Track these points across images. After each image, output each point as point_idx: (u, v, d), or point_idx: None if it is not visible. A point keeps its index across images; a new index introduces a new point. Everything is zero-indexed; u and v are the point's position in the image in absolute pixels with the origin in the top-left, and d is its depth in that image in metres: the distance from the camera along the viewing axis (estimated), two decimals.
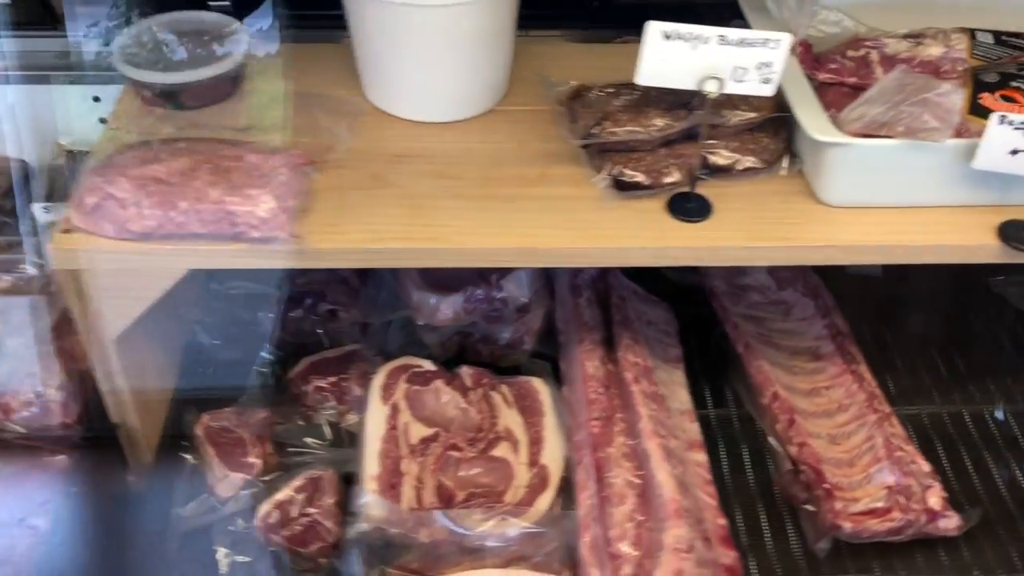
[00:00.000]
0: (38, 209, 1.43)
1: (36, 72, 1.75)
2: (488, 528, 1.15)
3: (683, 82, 0.98)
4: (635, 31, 1.54)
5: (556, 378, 1.38)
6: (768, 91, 0.99)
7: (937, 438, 1.35)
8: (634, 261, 1.09)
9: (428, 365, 1.37)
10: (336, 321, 1.47)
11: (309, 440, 1.34)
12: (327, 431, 1.35)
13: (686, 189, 1.08)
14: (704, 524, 1.14)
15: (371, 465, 1.21)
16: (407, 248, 1.05)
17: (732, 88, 0.98)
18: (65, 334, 1.25)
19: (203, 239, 1.01)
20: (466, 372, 1.37)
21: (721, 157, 1.10)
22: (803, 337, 1.45)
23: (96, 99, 1.76)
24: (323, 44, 1.38)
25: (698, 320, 1.49)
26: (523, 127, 1.22)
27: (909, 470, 1.24)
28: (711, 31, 0.93)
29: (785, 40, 0.94)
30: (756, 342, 1.43)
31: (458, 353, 1.47)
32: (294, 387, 1.39)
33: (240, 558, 1.21)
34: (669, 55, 0.95)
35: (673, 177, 1.08)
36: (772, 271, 1.54)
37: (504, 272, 1.41)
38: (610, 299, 1.43)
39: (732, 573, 1.12)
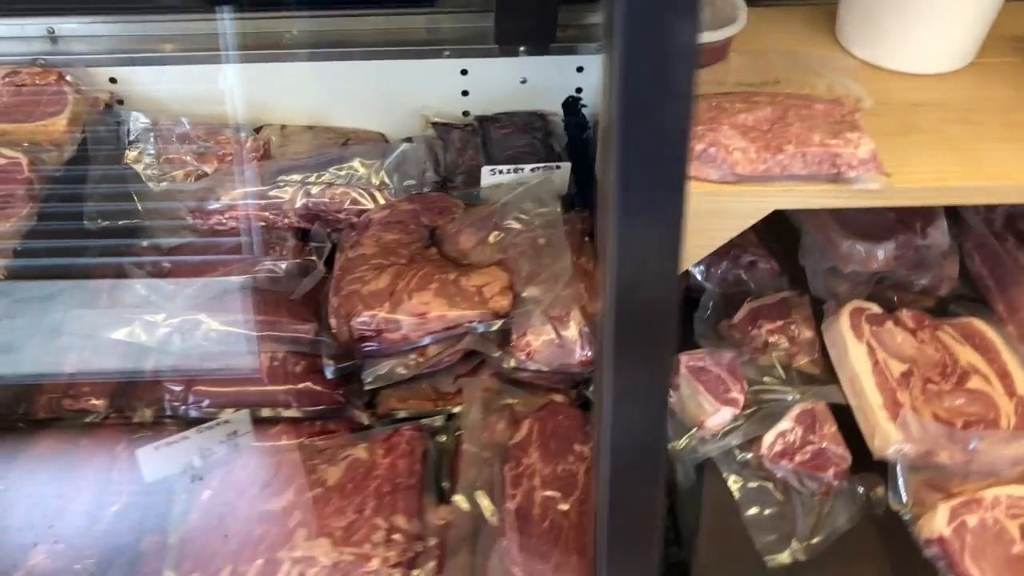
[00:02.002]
0: (486, 171, 1.54)
1: (407, 47, 1.85)
2: (1011, 451, 1.23)
3: None
4: None
5: None
6: None
7: None
8: None
9: (875, 308, 1.45)
10: (756, 270, 1.56)
11: (766, 379, 1.43)
12: (780, 370, 1.44)
13: None
14: None
15: (874, 396, 1.30)
16: (974, 186, 1.13)
17: None
18: (581, 278, 1.35)
19: (799, 180, 1.10)
20: (906, 314, 1.46)
21: None
22: None
23: (464, 72, 1.85)
24: (766, 8, 1.46)
25: None
26: (1010, 78, 1.30)
27: None
28: None
29: None
30: None
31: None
32: (737, 331, 1.48)
33: (752, 484, 1.31)
34: None
35: None
36: None
37: (926, 220, 1.50)
38: None
39: None
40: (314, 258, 1.42)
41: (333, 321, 1.35)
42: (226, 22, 1.86)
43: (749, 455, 1.34)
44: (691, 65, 0.51)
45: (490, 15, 1.82)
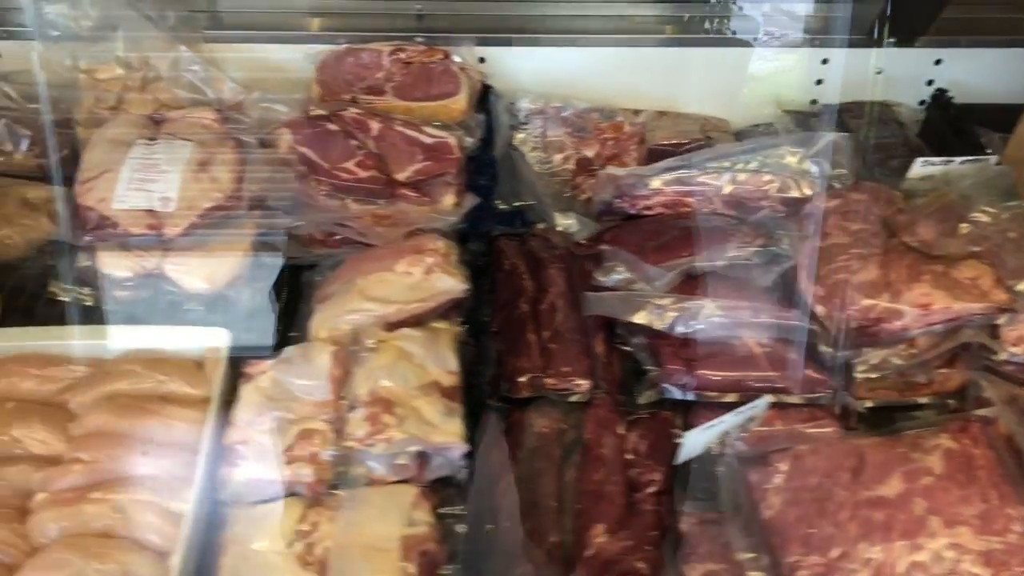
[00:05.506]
0: (919, 163, 1.55)
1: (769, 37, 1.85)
2: None
3: None
4: None
5: None
6: None
7: None
8: None
9: None
10: None
11: None
12: None
13: None
14: None
15: None
16: None
17: None
18: None
19: None
20: None
21: None
22: None
23: (824, 61, 1.86)
24: None
25: None
26: None
27: None
28: None
29: None
30: None
31: None
32: None
33: None
34: None
35: None
36: None
37: None
38: None
39: None
40: (784, 246, 1.43)
41: (820, 309, 1.36)
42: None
43: None
44: None
45: (860, 5, 1.82)
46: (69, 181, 1.56)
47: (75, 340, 1.35)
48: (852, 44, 1.84)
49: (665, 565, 1.17)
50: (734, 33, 1.84)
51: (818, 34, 1.84)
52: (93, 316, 1.46)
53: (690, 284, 1.41)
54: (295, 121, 1.56)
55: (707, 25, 1.87)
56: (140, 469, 1.20)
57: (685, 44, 1.87)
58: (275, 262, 1.49)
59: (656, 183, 1.55)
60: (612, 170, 1.55)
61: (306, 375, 1.29)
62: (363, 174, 1.51)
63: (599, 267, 1.42)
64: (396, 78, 1.69)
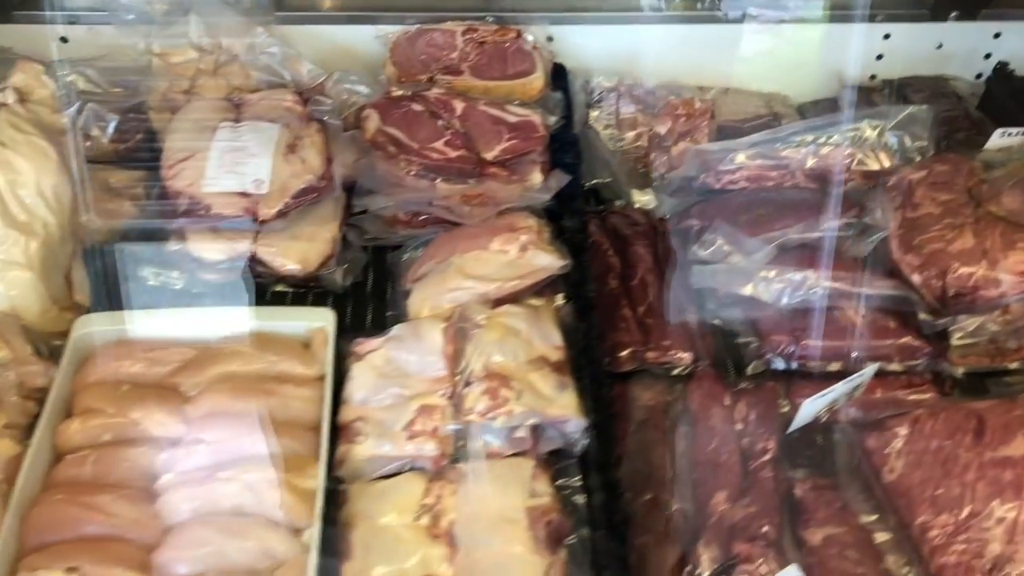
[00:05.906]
0: (997, 134, 1.57)
1: (834, 11, 1.87)
2: None
3: None
4: None
5: None
6: None
7: None
8: None
9: None
10: None
11: None
12: None
13: None
14: None
15: None
16: None
17: None
18: None
19: None
20: None
21: None
22: None
23: (886, 36, 1.88)
24: None
25: None
26: None
27: None
28: None
29: None
30: None
31: None
32: None
33: None
34: None
35: None
36: None
37: None
38: None
39: None
40: (878, 217, 1.45)
41: (916, 278, 1.38)
42: None
43: None
44: None
45: None
46: (146, 167, 1.57)
47: (180, 322, 1.35)
48: (913, 19, 1.87)
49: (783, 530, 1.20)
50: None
51: (880, 9, 1.86)
52: (183, 299, 1.46)
53: (784, 256, 1.43)
54: (380, 102, 1.56)
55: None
56: (263, 448, 1.21)
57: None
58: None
59: (741, 157, 1.56)
60: (699, 145, 1.56)
61: (419, 351, 1.30)
62: (453, 154, 1.51)
63: (696, 241, 1.44)
64: (471, 58, 1.69)
